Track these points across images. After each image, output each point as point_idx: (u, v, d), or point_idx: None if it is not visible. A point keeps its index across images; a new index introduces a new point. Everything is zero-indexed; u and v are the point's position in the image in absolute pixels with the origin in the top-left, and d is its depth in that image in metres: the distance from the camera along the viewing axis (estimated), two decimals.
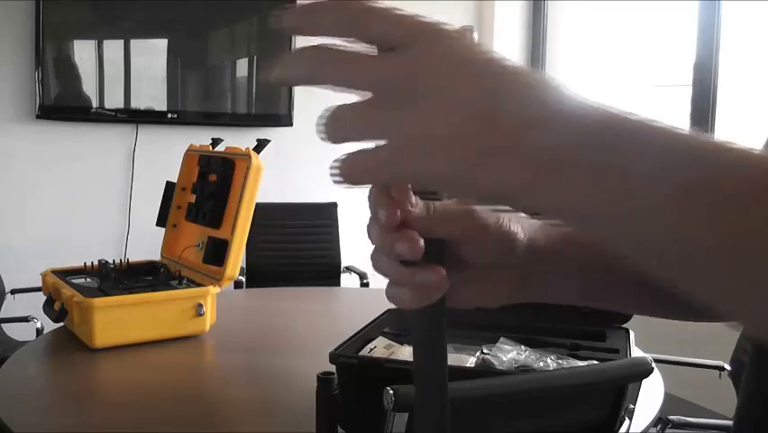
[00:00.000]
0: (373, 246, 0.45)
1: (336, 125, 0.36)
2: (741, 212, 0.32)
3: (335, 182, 0.36)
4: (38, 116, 3.33)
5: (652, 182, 0.32)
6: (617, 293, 0.56)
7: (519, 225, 0.50)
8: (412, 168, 0.35)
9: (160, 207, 2.36)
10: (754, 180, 0.32)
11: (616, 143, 0.33)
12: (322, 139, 0.36)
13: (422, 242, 0.43)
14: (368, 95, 0.35)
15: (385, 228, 0.43)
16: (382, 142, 0.35)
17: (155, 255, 2.32)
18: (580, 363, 1.36)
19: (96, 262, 2.18)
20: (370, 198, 0.43)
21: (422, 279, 0.43)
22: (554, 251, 0.52)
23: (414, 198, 0.44)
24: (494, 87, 0.34)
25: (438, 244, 0.44)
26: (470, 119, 0.33)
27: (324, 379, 1.22)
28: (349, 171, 0.36)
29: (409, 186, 0.44)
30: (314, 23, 0.36)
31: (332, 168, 0.36)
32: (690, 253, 0.33)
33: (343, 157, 0.36)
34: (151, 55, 3.64)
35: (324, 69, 0.36)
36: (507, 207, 0.38)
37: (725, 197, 0.32)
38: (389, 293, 0.45)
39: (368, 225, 0.44)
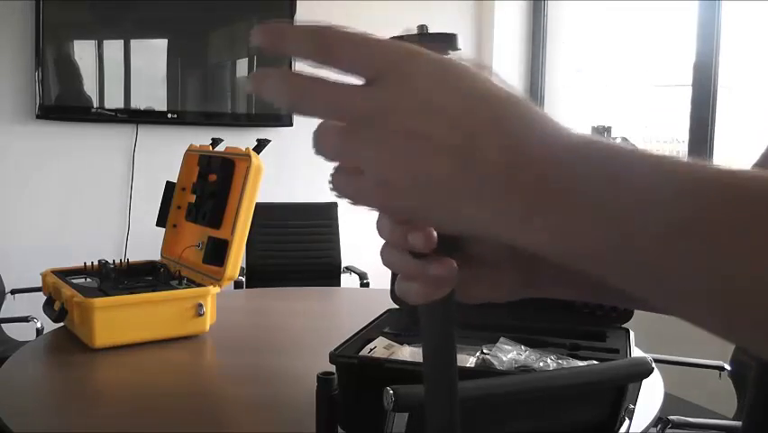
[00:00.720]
0: (383, 240, 0.44)
1: (321, 146, 0.37)
2: (726, 252, 0.31)
3: (335, 195, 0.37)
4: (38, 116, 3.33)
5: (639, 223, 0.32)
6: (622, 290, 0.56)
7: None
8: (394, 206, 0.36)
9: (160, 207, 2.36)
10: (742, 217, 0.31)
11: (595, 184, 0.33)
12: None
13: (435, 232, 0.42)
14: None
15: (397, 221, 0.43)
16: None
17: (155, 255, 2.32)
18: (580, 363, 1.36)
19: (96, 262, 2.18)
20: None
21: (434, 271, 0.43)
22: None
23: None
24: (472, 128, 0.33)
25: (450, 236, 0.44)
26: (448, 164, 0.33)
27: (324, 379, 1.22)
28: (338, 190, 0.37)
29: None
30: (284, 49, 0.37)
31: (329, 180, 0.37)
32: (676, 290, 0.33)
33: (332, 173, 0.37)
34: (151, 55, 3.64)
35: (300, 100, 0.37)
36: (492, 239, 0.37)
37: (709, 236, 0.31)
38: (400, 288, 0.44)
39: (378, 220, 0.44)
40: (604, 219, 0.32)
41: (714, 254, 0.31)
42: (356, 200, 0.37)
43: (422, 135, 0.34)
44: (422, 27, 0.45)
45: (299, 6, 3.81)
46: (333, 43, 0.35)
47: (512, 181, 0.33)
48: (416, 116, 0.34)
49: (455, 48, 0.46)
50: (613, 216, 0.32)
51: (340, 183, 0.37)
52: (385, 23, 4.05)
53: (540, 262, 0.51)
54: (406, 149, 0.34)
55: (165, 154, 3.01)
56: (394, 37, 0.39)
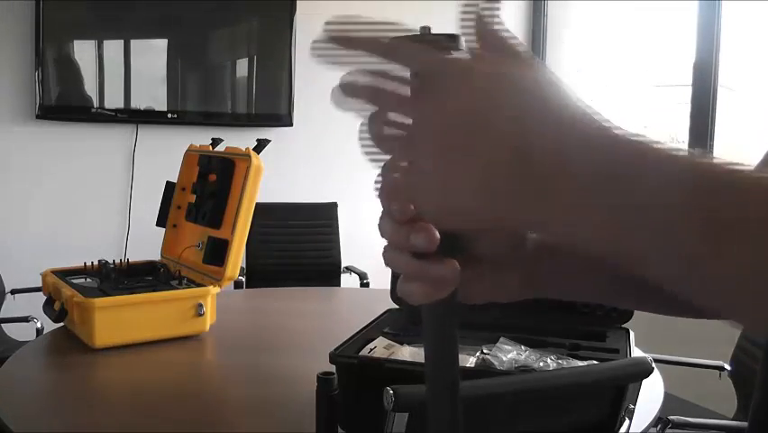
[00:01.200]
0: (386, 241, 0.44)
1: (381, 193, 0.41)
2: (746, 242, 0.32)
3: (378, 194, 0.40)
4: (38, 116, 3.33)
5: (679, 226, 0.33)
6: (622, 290, 0.56)
7: None
8: (441, 205, 0.38)
9: (160, 207, 2.36)
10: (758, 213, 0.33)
11: (639, 187, 0.34)
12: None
13: (437, 233, 0.42)
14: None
15: (399, 221, 0.43)
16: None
17: (155, 255, 2.32)
18: (580, 363, 1.36)
19: (96, 262, 2.18)
20: (381, 193, 0.43)
21: (435, 272, 0.43)
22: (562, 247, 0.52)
23: None
24: (523, 131, 0.36)
25: (451, 237, 0.44)
26: (499, 163, 0.36)
27: (324, 379, 1.22)
28: (391, 190, 0.41)
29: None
30: (352, 48, 0.41)
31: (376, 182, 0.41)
32: (699, 280, 0.34)
33: (378, 179, 0.41)
34: (151, 55, 3.64)
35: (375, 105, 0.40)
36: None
37: (751, 230, 0.33)
38: (402, 288, 0.44)
39: (379, 221, 0.44)
40: (651, 220, 0.34)
41: (755, 250, 0.32)
42: (413, 198, 0.39)
43: (470, 146, 0.36)
44: (424, 28, 0.45)
45: (299, 6, 3.80)
46: (388, 51, 0.40)
47: (560, 180, 0.35)
48: (465, 131, 0.36)
49: (458, 48, 0.46)
50: (659, 218, 0.34)
51: (395, 182, 0.40)
52: None
53: (540, 262, 0.52)
54: (461, 154, 0.36)
55: (165, 154, 3.01)
56: (395, 38, 0.42)
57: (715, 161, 0.35)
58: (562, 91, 0.37)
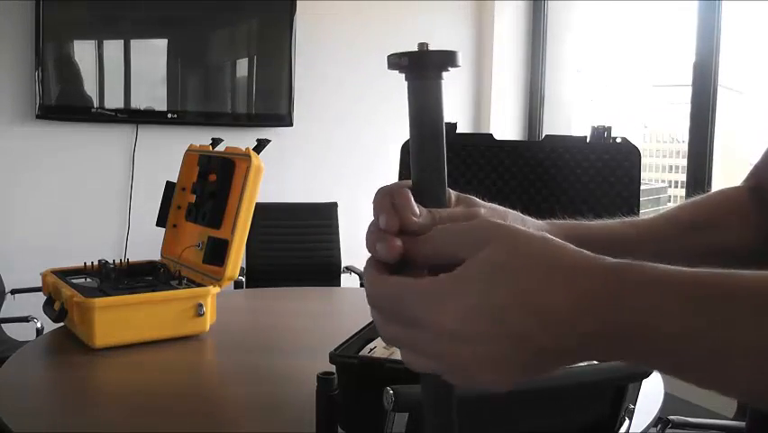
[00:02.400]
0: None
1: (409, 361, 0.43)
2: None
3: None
4: (38, 116, 3.33)
5: (683, 350, 0.38)
6: None
7: (526, 227, 0.51)
8: (458, 381, 0.42)
9: (160, 207, 2.36)
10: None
11: (641, 323, 0.38)
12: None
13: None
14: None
15: (382, 232, 0.43)
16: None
17: (155, 255, 2.32)
18: (580, 363, 1.36)
19: (96, 262, 2.18)
20: (374, 203, 0.44)
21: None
22: None
23: (416, 208, 0.44)
24: (524, 321, 0.39)
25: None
26: (506, 353, 0.39)
27: (324, 379, 1.22)
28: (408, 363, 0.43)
29: (410, 194, 0.45)
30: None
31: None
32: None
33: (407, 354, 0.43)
34: (151, 55, 3.64)
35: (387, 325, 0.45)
36: None
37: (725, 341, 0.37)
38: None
39: (367, 231, 0.44)
40: (657, 347, 0.39)
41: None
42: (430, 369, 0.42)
43: (478, 336, 0.39)
44: (422, 45, 0.46)
45: (299, 6, 3.80)
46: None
47: (565, 347, 0.40)
48: (472, 322, 0.39)
49: (455, 65, 0.46)
50: (664, 344, 0.39)
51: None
52: (385, 24, 4.06)
53: None
54: (472, 348, 0.39)
55: (165, 154, 3.02)
56: (390, 55, 0.44)
57: (712, 274, 0.38)
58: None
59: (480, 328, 0.39)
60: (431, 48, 0.45)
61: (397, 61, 0.44)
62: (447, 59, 0.44)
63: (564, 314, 0.38)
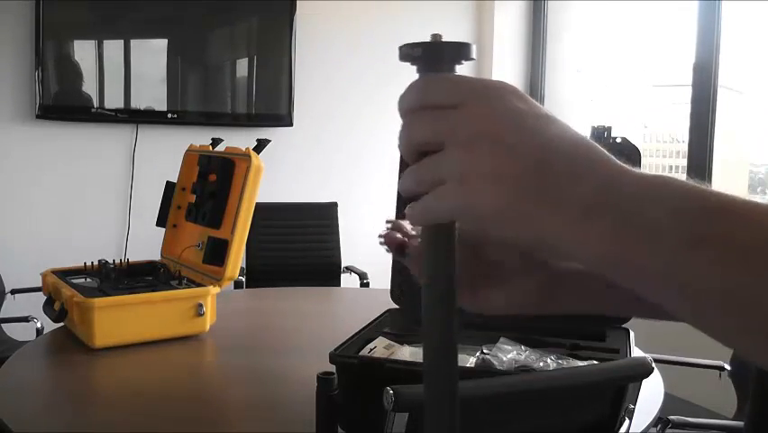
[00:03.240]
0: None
1: (411, 181, 0.42)
2: (746, 264, 0.35)
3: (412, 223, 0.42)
4: (38, 116, 3.33)
5: (668, 235, 0.37)
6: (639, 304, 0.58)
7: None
8: (470, 201, 0.39)
9: (160, 207, 2.36)
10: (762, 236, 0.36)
11: (638, 200, 0.38)
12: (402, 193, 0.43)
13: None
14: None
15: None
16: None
17: (155, 255, 2.32)
18: (580, 363, 1.36)
19: (96, 262, 2.18)
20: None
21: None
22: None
23: None
24: (542, 140, 0.39)
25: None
26: (525, 165, 0.38)
27: (324, 379, 1.22)
28: (415, 215, 0.42)
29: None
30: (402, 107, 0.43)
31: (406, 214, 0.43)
32: (699, 298, 0.37)
33: (411, 204, 0.42)
34: (151, 55, 3.64)
35: (411, 122, 0.42)
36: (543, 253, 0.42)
37: (734, 249, 0.36)
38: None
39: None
40: (639, 232, 0.37)
41: (735, 263, 0.36)
42: (428, 215, 0.41)
43: (501, 138, 0.39)
44: (435, 36, 0.46)
45: (299, 6, 3.80)
46: (426, 85, 0.42)
47: (574, 188, 0.38)
48: (497, 123, 0.39)
49: (470, 58, 0.46)
50: (646, 230, 0.37)
51: (414, 206, 0.42)
52: (385, 24, 4.06)
53: (560, 276, 0.52)
54: (487, 147, 0.39)
55: (165, 154, 3.02)
56: (402, 46, 0.43)
57: (705, 187, 0.38)
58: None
59: (500, 129, 0.39)
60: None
61: (410, 52, 0.43)
62: (462, 51, 0.43)
63: (579, 162, 0.39)
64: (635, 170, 0.39)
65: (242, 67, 3.94)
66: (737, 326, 0.37)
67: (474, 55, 0.44)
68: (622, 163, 0.39)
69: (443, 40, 0.43)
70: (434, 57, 0.43)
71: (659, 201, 0.38)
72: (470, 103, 0.40)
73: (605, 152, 0.40)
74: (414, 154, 0.42)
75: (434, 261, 0.46)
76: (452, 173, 0.40)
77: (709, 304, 0.37)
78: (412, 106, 0.42)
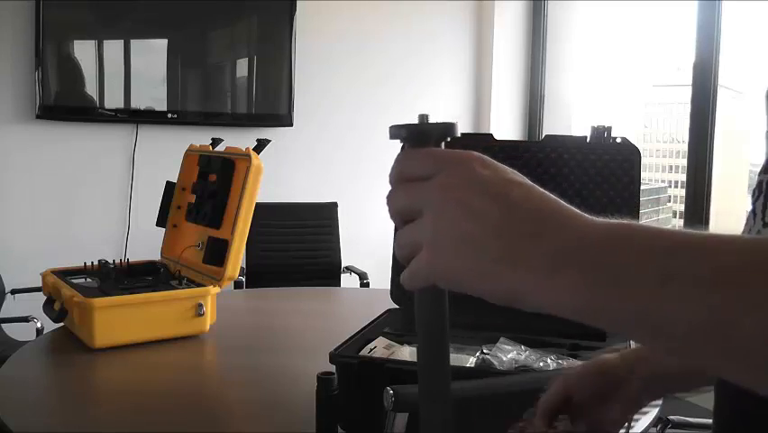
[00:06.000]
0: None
1: (395, 245, 0.46)
2: (718, 294, 0.36)
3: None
4: (38, 116, 3.33)
5: (637, 277, 0.38)
6: None
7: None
8: (441, 266, 0.43)
9: (160, 207, 2.36)
10: (733, 263, 0.37)
11: (605, 249, 0.39)
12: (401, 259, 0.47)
13: None
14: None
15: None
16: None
17: (155, 255, 2.32)
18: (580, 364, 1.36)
19: (96, 262, 2.18)
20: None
21: None
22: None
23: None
24: (507, 204, 0.42)
25: None
26: (489, 228, 0.41)
27: (324, 379, 1.22)
28: (404, 281, 0.46)
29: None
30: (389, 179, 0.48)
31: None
32: (674, 334, 0.38)
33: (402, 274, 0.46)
34: (151, 55, 3.64)
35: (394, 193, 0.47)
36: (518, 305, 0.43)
37: (703, 280, 0.37)
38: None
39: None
40: (606, 278, 0.39)
41: (706, 294, 0.36)
42: (415, 281, 0.45)
43: (467, 205, 0.42)
44: (422, 117, 0.48)
45: (299, 6, 3.80)
46: (402, 161, 0.47)
47: (538, 246, 0.40)
48: (464, 191, 0.43)
49: (454, 135, 0.47)
50: (613, 277, 0.39)
51: (403, 275, 0.46)
52: (386, 24, 4.06)
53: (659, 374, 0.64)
54: (455, 213, 0.42)
55: (165, 154, 3.01)
56: (391, 126, 0.48)
57: (674, 228, 0.40)
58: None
59: (467, 196, 0.42)
60: (431, 116, 0.48)
61: (397, 133, 0.47)
62: (446, 130, 0.47)
63: (543, 222, 0.41)
64: (603, 220, 0.41)
65: (242, 67, 3.94)
66: (718, 355, 0.37)
67: (458, 133, 0.48)
68: (591, 216, 0.41)
69: (430, 121, 0.47)
70: (419, 138, 0.47)
71: (627, 246, 0.39)
72: (441, 173, 0.44)
73: (573, 209, 0.42)
74: (400, 223, 0.46)
75: (426, 323, 0.49)
76: (425, 238, 0.43)
77: (688, 338, 0.37)
78: (393, 179, 0.46)
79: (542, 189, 0.43)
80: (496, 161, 0.45)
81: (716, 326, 0.36)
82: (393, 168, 0.47)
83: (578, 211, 0.42)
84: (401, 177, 0.46)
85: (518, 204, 0.42)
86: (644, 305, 0.38)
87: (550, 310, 0.41)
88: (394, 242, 0.47)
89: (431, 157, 0.45)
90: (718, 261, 0.37)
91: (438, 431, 0.49)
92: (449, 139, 0.47)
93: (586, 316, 0.40)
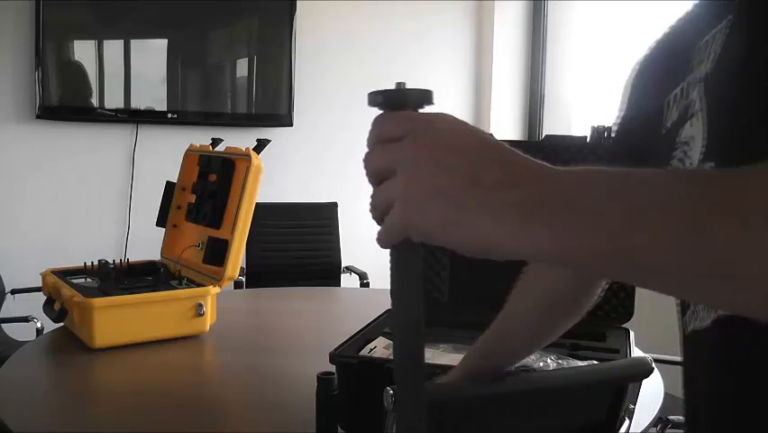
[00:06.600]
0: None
1: (370, 206, 0.48)
2: (691, 217, 0.37)
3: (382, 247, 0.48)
4: (38, 116, 3.33)
5: (609, 214, 0.39)
6: None
7: None
8: (414, 219, 0.44)
9: (160, 207, 2.36)
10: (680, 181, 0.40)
11: (575, 191, 0.41)
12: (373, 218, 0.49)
13: None
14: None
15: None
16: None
17: (155, 255, 2.32)
18: (580, 363, 1.36)
19: (96, 262, 2.18)
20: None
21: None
22: None
23: None
24: (477, 157, 0.43)
25: None
26: (461, 180, 0.42)
27: (324, 379, 1.22)
28: (380, 238, 0.47)
29: None
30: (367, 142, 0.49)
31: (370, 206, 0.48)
32: (653, 263, 0.39)
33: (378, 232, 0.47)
34: (151, 55, 3.64)
35: (370, 154, 0.48)
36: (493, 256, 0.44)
37: (677, 209, 0.38)
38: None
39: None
40: (587, 215, 0.40)
41: (673, 223, 0.38)
42: (391, 237, 0.47)
43: (437, 160, 0.43)
44: (399, 84, 0.49)
45: (299, 6, 3.80)
46: (377, 123, 0.48)
47: (510, 194, 0.41)
48: (434, 147, 0.44)
49: (430, 103, 0.48)
50: (593, 212, 0.40)
51: (379, 233, 0.47)
52: (386, 23, 4.06)
53: None
54: (425, 169, 0.44)
55: (165, 154, 3.01)
56: (369, 93, 0.49)
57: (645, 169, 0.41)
58: None
59: (438, 153, 0.44)
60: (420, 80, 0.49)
61: (374, 98, 0.49)
62: (423, 97, 0.48)
63: (514, 171, 0.42)
64: (577, 168, 0.42)
65: (242, 67, 3.94)
66: (693, 276, 0.38)
67: (434, 101, 0.49)
68: (564, 168, 0.42)
69: (407, 87, 0.49)
70: (396, 103, 0.48)
71: (597, 186, 0.41)
72: (413, 134, 0.45)
73: (543, 162, 0.43)
74: (376, 184, 0.47)
75: (399, 282, 0.51)
76: (398, 195, 0.45)
77: (665, 267, 0.38)
78: (370, 141, 0.48)
79: (508, 146, 0.44)
80: (467, 121, 0.46)
81: (691, 249, 0.37)
82: (370, 131, 0.48)
83: (544, 162, 0.43)
84: (377, 139, 0.47)
85: (488, 156, 0.43)
86: (617, 238, 0.38)
87: (525, 257, 0.42)
88: (369, 203, 0.48)
89: (404, 118, 0.47)
90: (684, 187, 0.38)
91: (410, 390, 0.50)
92: (425, 106, 0.49)
93: (562, 259, 0.41)
